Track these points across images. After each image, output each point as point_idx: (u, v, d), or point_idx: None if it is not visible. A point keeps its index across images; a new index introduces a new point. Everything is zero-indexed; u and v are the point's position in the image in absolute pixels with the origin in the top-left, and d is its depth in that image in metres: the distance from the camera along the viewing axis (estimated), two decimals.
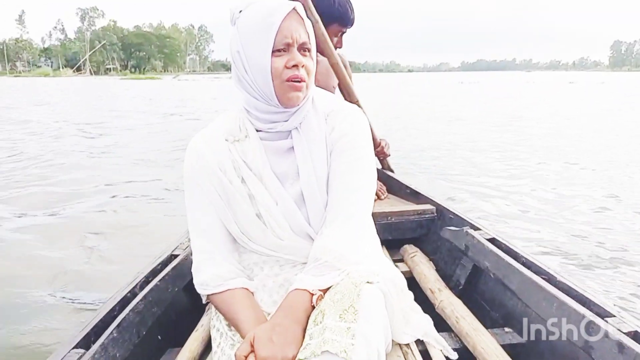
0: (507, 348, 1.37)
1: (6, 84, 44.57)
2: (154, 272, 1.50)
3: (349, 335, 0.83)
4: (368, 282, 0.96)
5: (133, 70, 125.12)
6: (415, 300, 1.31)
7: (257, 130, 1.09)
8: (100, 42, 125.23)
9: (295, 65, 0.99)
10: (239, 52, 1.02)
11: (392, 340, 1.15)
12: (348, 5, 2.13)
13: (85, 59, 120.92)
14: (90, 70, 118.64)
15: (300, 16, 1.02)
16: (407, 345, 1.18)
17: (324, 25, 2.09)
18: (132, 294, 1.36)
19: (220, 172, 1.07)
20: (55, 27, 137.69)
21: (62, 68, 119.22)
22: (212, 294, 1.07)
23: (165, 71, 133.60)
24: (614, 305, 1.25)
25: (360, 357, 0.81)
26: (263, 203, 1.06)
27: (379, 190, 2.34)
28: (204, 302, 1.14)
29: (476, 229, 1.81)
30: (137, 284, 1.41)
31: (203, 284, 1.08)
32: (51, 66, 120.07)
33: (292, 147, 1.08)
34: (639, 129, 10.98)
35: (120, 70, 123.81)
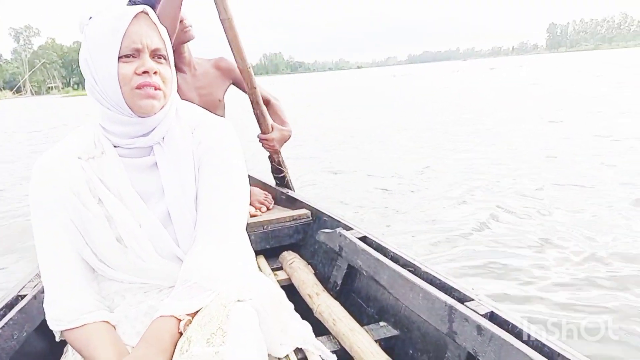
0: (383, 342, 1.42)
1: None
2: None
3: None
4: (239, 301, 0.92)
5: (76, 87, 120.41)
6: (295, 307, 1.30)
7: (115, 147, 1.00)
8: (39, 61, 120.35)
9: (146, 72, 0.92)
10: (86, 60, 0.94)
11: (269, 355, 1.10)
12: None
13: (25, 80, 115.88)
14: (30, 90, 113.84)
15: (153, 21, 0.96)
16: (286, 356, 1.15)
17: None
18: None
19: (72, 194, 0.96)
20: None
21: (1, 90, 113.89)
22: (66, 330, 0.95)
23: None
24: (472, 289, 1.33)
25: None
26: (124, 225, 0.96)
27: (265, 201, 2.30)
28: (57, 339, 1.01)
29: (348, 229, 1.85)
30: None
31: (56, 319, 0.96)
32: None
33: (156, 164, 1.00)
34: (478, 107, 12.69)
35: (63, 88, 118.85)
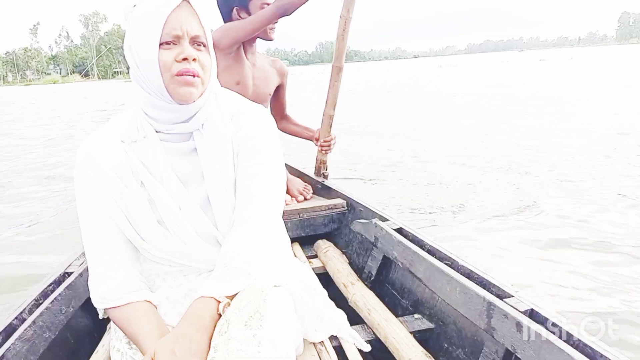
0: (417, 334, 1.41)
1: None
2: (44, 294, 1.36)
3: (254, 343, 0.79)
4: (276, 286, 0.93)
5: None
6: (329, 295, 1.30)
7: (157, 132, 1.03)
8: (105, 47, 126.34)
9: (186, 59, 0.94)
10: (130, 46, 0.97)
11: (305, 340, 1.13)
12: None
13: (93, 64, 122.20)
14: (97, 74, 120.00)
15: (194, 9, 0.97)
16: (321, 342, 1.16)
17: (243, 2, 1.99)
18: (19, 320, 1.23)
19: (116, 177, 0.99)
20: (60, 35, 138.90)
21: (71, 74, 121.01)
22: (110, 308, 0.99)
23: None
24: (512, 285, 1.30)
25: None
26: (165, 208, 0.99)
27: (304, 192, 2.31)
28: (100, 317, 1.06)
29: (384, 219, 1.83)
30: (24, 309, 1.27)
31: (100, 297, 0.99)
32: (60, 73, 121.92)
33: (196, 149, 1.03)
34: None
35: (127, 73, 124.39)
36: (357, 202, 2.09)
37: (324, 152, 2.40)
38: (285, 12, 1.89)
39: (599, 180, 4.56)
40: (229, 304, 0.89)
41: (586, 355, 0.96)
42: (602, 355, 0.95)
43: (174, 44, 0.94)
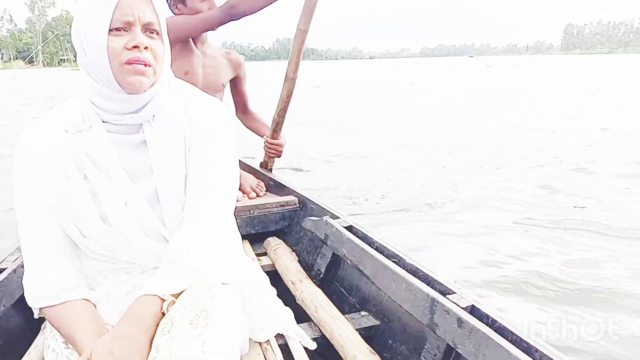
0: (363, 331, 1.43)
1: None
2: None
3: (199, 342, 0.77)
4: (223, 284, 0.91)
5: None
6: (278, 293, 1.30)
7: (104, 122, 0.98)
8: (53, 33, 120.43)
9: (137, 47, 0.90)
10: (77, 31, 0.92)
11: (250, 339, 1.11)
12: None
13: (38, 50, 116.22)
14: (42, 62, 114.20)
15: None
16: (267, 341, 1.16)
17: None
18: None
19: (58, 168, 0.94)
20: (2, 18, 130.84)
21: (14, 60, 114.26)
22: (46, 307, 0.94)
23: None
24: (455, 282, 1.35)
25: None
26: (109, 202, 0.95)
27: (256, 188, 2.28)
28: (35, 316, 1.00)
29: (335, 217, 1.85)
30: None
31: (36, 296, 0.94)
32: (1, 58, 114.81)
33: (145, 141, 0.98)
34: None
35: (74, 61, 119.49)
36: (309, 200, 2.09)
37: (268, 155, 2.41)
38: (233, 17, 1.88)
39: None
40: (174, 302, 0.86)
41: (522, 350, 1.01)
42: (537, 350, 1.00)
43: (124, 30, 0.90)
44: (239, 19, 1.90)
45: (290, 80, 2.17)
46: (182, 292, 0.89)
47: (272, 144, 2.32)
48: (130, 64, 0.90)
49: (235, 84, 2.30)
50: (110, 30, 0.89)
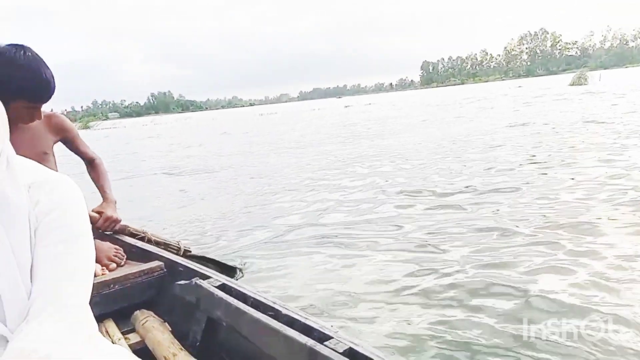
0: None
1: None
2: None
3: None
4: None
5: None
6: None
7: None
8: None
9: None
10: None
11: None
12: (38, 79, 1.65)
13: None
14: None
15: None
16: None
17: (3, 101, 1.69)
18: None
19: None
20: None
21: None
22: None
23: None
24: (332, 326, 1.33)
25: None
26: None
27: (115, 257, 2.07)
28: None
29: (206, 277, 1.74)
30: None
31: None
32: None
33: None
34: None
35: None
36: (176, 262, 1.95)
37: (109, 229, 2.32)
38: None
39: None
40: None
41: None
42: None
43: None
44: None
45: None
46: None
47: (106, 220, 2.25)
48: None
49: (68, 144, 2.23)
50: None
